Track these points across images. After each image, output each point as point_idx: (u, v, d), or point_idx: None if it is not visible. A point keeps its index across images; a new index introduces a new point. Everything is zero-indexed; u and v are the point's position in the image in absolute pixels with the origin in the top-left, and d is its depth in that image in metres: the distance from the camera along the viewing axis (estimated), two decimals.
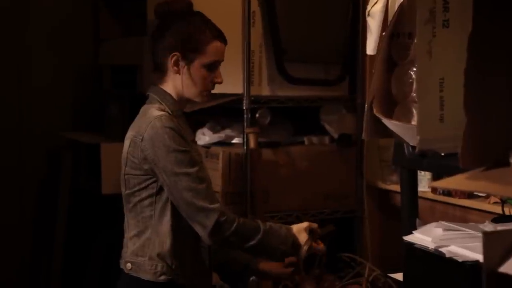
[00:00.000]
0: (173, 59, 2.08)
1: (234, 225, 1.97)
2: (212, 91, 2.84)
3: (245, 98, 2.83)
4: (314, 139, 3.13)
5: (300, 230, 2.12)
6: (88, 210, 3.95)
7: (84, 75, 4.14)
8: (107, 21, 4.09)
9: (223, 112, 3.05)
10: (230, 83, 2.87)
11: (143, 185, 2.04)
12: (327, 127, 3.17)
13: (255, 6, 2.84)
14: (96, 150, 3.42)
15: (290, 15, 2.91)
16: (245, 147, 2.86)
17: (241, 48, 2.83)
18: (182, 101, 2.14)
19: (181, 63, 2.09)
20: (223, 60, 2.15)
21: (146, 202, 2.04)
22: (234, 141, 3.03)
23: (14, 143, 3.94)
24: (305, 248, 2.09)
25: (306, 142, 3.12)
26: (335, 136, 3.14)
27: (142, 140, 2.01)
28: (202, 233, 1.98)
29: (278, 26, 2.87)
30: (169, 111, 2.07)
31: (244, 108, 2.84)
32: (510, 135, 1.33)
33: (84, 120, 4.07)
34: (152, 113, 2.04)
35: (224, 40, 2.14)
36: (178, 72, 2.09)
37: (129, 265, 2.06)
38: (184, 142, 2.01)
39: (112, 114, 3.77)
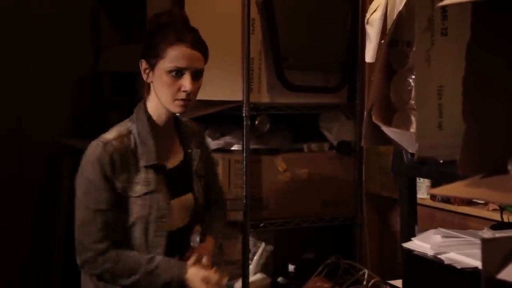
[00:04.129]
0: (141, 67, 2.05)
1: (107, 264, 1.97)
2: (212, 98, 2.84)
3: (244, 105, 2.84)
4: (314, 146, 3.14)
5: (194, 276, 2.01)
6: None
7: (84, 82, 4.15)
8: (107, 28, 4.11)
9: (223, 119, 3.06)
10: (230, 90, 2.88)
11: None
12: (327, 134, 3.18)
13: (254, 13, 2.85)
14: None
15: (289, 22, 2.92)
16: (244, 154, 2.87)
17: (241, 55, 2.83)
18: (163, 111, 2.07)
19: (147, 70, 2.04)
20: (197, 68, 2.02)
21: None
22: (233, 148, 3.03)
23: (14, 149, 3.94)
24: None
25: (305, 149, 3.13)
26: (335, 143, 3.14)
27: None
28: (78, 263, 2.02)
29: (278, 34, 2.88)
30: (131, 129, 2.05)
31: (244, 115, 2.84)
32: (509, 142, 1.33)
33: (84, 127, 4.07)
34: (105, 134, 2.05)
35: (194, 45, 2.00)
36: (147, 79, 2.06)
37: None
38: (108, 175, 1.96)
39: (112, 121, 3.76)
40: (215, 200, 2.39)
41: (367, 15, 1.72)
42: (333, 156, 3.13)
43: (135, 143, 2.03)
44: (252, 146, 2.92)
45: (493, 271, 1.22)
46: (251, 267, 3.03)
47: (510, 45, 1.33)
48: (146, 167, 2.02)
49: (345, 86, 3.13)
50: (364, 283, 2.97)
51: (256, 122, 2.97)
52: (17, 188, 3.96)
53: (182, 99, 2.00)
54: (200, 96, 2.96)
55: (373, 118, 1.64)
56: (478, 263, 1.44)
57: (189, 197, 2.16)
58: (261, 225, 2.95)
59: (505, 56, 1.33)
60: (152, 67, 2.02)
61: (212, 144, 3.05)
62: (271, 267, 3.14)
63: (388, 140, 1.68)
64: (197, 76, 2.02)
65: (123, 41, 3.98)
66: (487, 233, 1.69)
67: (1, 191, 3.91)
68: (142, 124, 2.05)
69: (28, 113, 3.97)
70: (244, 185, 2.87)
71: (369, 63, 1.75)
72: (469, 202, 2.63)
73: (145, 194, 2.01)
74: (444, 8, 1.46)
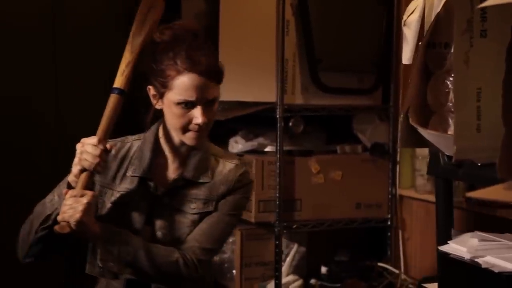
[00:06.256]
0: (149, 92, 1.89)
1: None
2: (245, 100, 2.81)
3: (278, 107, 2.84)
4: (347, 148, 3.13)
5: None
6: None
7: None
8: None
9: (256, 120, 3.07)
10: (264, 91, 2.89)
11: None
12: (360, 136, 3.17)
13: (289, 15, 2.85)
14: None
15: (324, 24, 2.92)
16: (278, 155, 2.87)
17: (275, 57, 2.84)
18: (175, 139, 1.93)
19: (156, 97, 1.87)
20: (209, 99, 1.81)
21: None
22: (267, 149, 3.04)
23: (51, 149, 3.99)
24: None
25: (338, 151, 3.12)
26: (368, 145, 3.13)
27: None
28: None
29: (312, 35, 2.87)
30: (134, 143, 1.97)
31: (278, 116, 2.85)
32: None
33: (120, 126, 4.10)
34: None
35: (206, 72, 1.77)
36: (157, 105, 1.89)
37: None
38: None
39: (142, 120, 3.80)
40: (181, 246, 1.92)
41: (404, 17, 1.71)
42: (366, 158, 3.12)
43: (130, 152, 1.96)
44: (286, 148, 2.92)
45: None
46: (284, 268, 3.04)
47: None
48: (132, 176, 1.91)
49: (379, 88, 3.12)
50: (398, 286, 2.96)
51: (290, 124, 2.97)
52: (47, 187, 4.00)
53: (194, 131, 1.83)
54: (234, 97, 3.00)
55: (410, 120, 1.63)
56: None
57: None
58: (294, 226, 2.95)
59: None
60: (160, 95, 1.84)
61: (246, 145, 3.07)
62: (303, 268, 3.14)
63: (424, 142, 1.67)
64: (210, 105, 1.83)
65: None
66: None
67: (36, 191, 3.95)
68: (147, 142, 1.94)
69: (64, 113, 4.01)
70: (278, 186, 2.87)
71: (405, 65, 1.75)
72: (507, 206, 2.59)
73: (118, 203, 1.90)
74: (484, 9, 1.45)
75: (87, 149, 1.81)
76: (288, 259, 3.09)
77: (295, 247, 3.11)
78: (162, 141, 1.94)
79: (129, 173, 1.92)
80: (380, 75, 3.09)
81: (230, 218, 1.94)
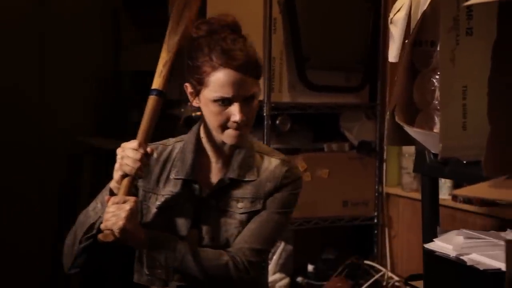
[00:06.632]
0: (187, 90, 1.81)
1: None
2: None
3: (265, 105, 2.84)
4: (334, 146, 3.13)
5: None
6: None
7: (105, 81, 4.17)
8: (128, 27, 4.13)
9: None
10: None
11: None
12: (347, 134, 3.17)
13: (276, 13, 2.85)
14: (116, 155, 3.44)
15: (311, 22, 2.92)
16: None
17: (262, 55, 2.84)
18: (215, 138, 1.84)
19: (193, 94, 1.80)
20: (247, 95, 1.73)
21: None
22: None
23: (35, 147, 3.98)
24: None
25: (325, 149, 3.12)
26: (355, 143, 3.14)
27: None
28: None
29: (300, 33, 2.87)
30: (175, 145, 1.88)
31: (265, 114, 2.84)
32: None
33: (106, 126, 4.10)
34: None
35: (242, 68, 1.70)
36: (194, 103, 1.81)
37: None
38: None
39: (133, 120, 3.79)
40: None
41: (391, 15, 1.71)
42: (353, 156, 3.12)
43: (172, 154, 1.88)
44: (273, 146, 2.92)
45: None
46: (270, 266, 3.03)
47: None
48: (176, 179, 1.84)
49: (366, 86, 3.13)
50: (384, 283, 2.97)
51: (277, 122, 2.97)
52: (38, 187, 3.99)
53: (233, 129, 1.75)
54: None
55: (396, 118, 1.63)
56: (501, 265, 1.44)
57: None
58: None
59: None
60: (197, 93, 1.77)
61: None
62: (290, 267, 3.13)
63: (410, 140, 1.67)
64: (249, 101, 1.74)
65: (144, 40, 4.00)
66: (510, 235, 1.68)
67: (23, 190, 3.94)
68: (189, 143, 1.86)
69: (49, 112, 4.00)
70: None
71: (391, 63, 1.75)
72: (492, 203, 2.61)
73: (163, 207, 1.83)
74: (470, 7, 1.45)
75: (127, 153, 1.73)
76: (274, 257, 3.08)
77: (281, 245, 3.10)
78: (204, 141, 1.85)
79: (172, 176, 1.84)
80: (367, 73, 3.09)
81: (280, 217, 1.84)
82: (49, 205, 4.03)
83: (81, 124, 4.08)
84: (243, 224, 1.81)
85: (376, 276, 2.99)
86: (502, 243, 1.24)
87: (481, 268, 1.50)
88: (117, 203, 1.69)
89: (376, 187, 3.15)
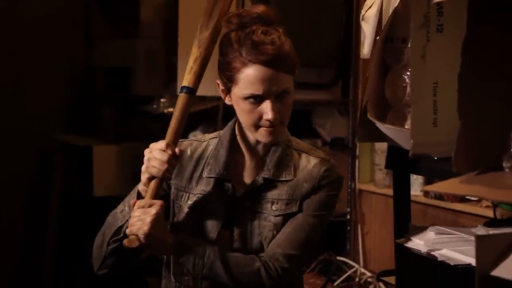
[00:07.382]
0: (219, 88, 1.73)
1: None
2: (206, 95, 2.76)
3: None
4: (307, 143, 3.13)
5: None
6: (79, 212, 3.95)
7: (76, 76, 4.14)
8: (99, 22, 4.09)
9: (218, 114, 3.05)
10: None
11: None
12: (320, 130, 3.18)
13: (248, 7, 2.84)
14: (88, 152, 3.42)
15: (283, 17, 2.91)
16: None
17: None
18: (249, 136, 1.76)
19: (225, 92, 1.72)
20: (279, 92, 1.63)
21: None
22: None
23: (5, 144, 3.93)
24: None
25: None
26: (328, 139, 3.15)
27: None
28: None
29: None
30: (219, 134, 1.79)
31: None
32: (504, 139, 1.33)
33: (76, 122, 4.06)
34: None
35: (273, 63, 1.61)
36: (226, 101, 1.73)
37: None
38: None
39: (104, 116, 3.76)
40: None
41: (363, 11, 1.72)
42: (326, 152, 3.11)
43: (207, 151, 1.79)
44: None
45: (487, 268, 1.22)
46: None
47: (506, 41, 1.33)
48: (208, 178, 1.75)
49: (338, 82, 3.14)
50: (357, 279, 2.98)
51: None
52: (8, 184, 3.95)
53: (266, 128, 1.66)
54: (197, 92, 2.96)
55: (368, 114, 1.64)
56: (471, 260, 1.45)
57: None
58: None
59: (501, 52, 1.33)
60: (228, 90, 1.69)
61: None
62: None
63: (382, 137, 1.68)
64: (282, 98, 1.66)
65: (116, 36, 3.97)
66: (481, 230, 1.69)
67: None
68: (223, 140, 1.77)
69: (19, 108, 3.95)
70: None
71: (363, 60, 1.75)
72: (462, 199, 2.63)
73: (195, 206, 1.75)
74: (440, 4, 1.46)
75: (154, 155, 1.64)
76: None
77: None
78: (239, 138, 1.76)
79: (205, 174, 1.75)
80: (340, 69, 3.10)
81: (316, 220, 1.73)
82: (19, 201, 3.99)
83: (52, 119, 4.04)
84: (278, 227, 1.71)
85: (349, 272, 3.00)
86: (473, 238, 1.24)
87: (452, 264, 1.51)
88: (142, 206, 1.62)
89: (349, 183, 3.16)
